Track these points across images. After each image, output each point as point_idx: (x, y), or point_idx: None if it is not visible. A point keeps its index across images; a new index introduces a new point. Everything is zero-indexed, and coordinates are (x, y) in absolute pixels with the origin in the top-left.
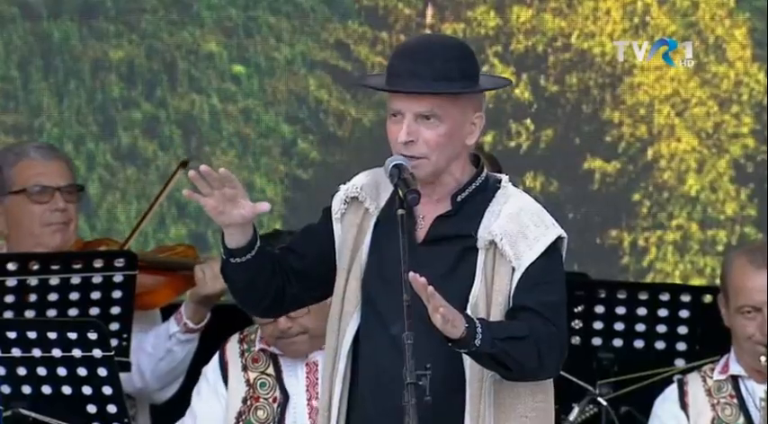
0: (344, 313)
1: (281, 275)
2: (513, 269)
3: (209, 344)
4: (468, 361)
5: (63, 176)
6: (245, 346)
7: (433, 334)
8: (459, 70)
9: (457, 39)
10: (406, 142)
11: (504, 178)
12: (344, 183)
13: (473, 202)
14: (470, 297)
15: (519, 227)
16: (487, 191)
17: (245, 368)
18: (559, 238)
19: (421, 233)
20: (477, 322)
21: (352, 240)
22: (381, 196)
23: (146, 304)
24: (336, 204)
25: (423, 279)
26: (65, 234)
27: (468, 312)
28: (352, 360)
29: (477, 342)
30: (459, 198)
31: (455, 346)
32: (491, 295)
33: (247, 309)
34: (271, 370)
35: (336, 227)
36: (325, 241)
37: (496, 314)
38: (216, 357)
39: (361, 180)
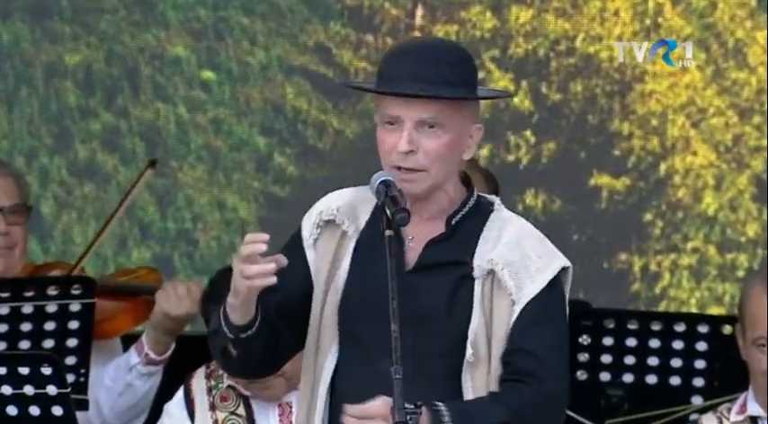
0: (322, 347)
1: (273, 331)
2: (513, 302)
3: (174, 377)
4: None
5: (8, 195)
6: (213, 382)
7: (426, 368)
8: (462, 76)
9: (456, 43)
10: (407, 152)
11: (497, 200)
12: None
13: (467, 226)
14: (470, 333)
15: (520, 256)
16: (480, 214)
17: (212, 408)
18: (563, 269)
19: (411, 257)
20: (446, 419)
21: (327, 265)
22: (360, 217)
23: (104, 333)
24: (308, 229)
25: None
26: (9, 260)
27: (469, 348)
28: (330, 399)
29: None
30: (453, 221)
31: None
32: (492, 329)
33: (244, 376)
34: (241, 410)
35: (310, 254)
36: (301, 271)
37: (498, 349)
38: (180, 394)
39: (335, 201)
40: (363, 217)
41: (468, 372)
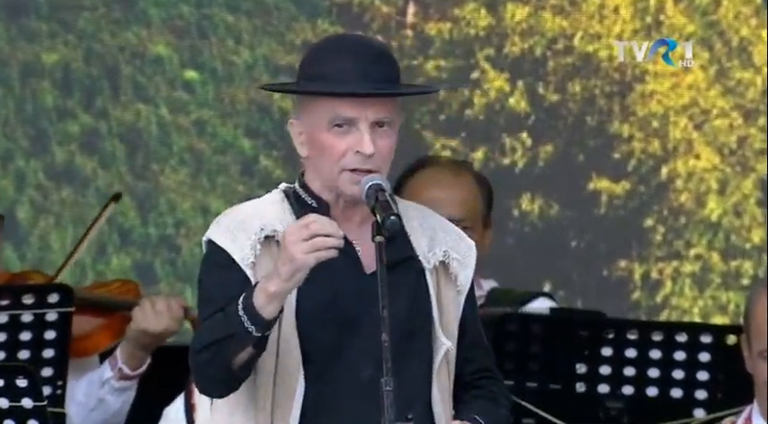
0: (283, 368)
1: None
2: (458, 293)
3: (154, 391)
4: (438, 407)
5: None
6: None
7: (410, 377)
8: (398, 71)
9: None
10: (372, 154)
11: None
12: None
13: None
14: (435, 326)
15: (453, 243)
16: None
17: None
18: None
19: (370, 261)
20: None
21: None
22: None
23: (80, 351)
24: (242, 249)
25: None
26: None
27: (446, 341)
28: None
29: None
30: None
31: None
32: (444, 322)
33: (222, 389)
34: None
35: (250, 274)
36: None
37: (451, 341)
38: (181, 399)
39: (263, 216)
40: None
41: (441, 366)
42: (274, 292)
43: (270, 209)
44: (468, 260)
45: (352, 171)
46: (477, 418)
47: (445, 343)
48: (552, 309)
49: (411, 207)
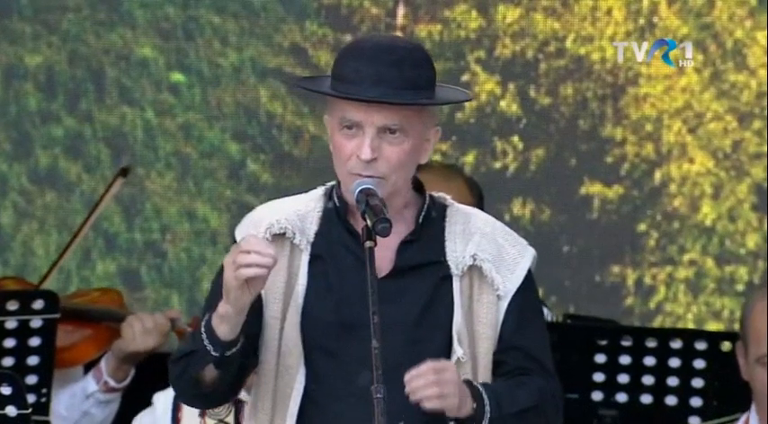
0: (284, 368)
1: (246, 351)
2: (499, 297)
3: (136, 398)
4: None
5: None
6: None
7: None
8: (426, 78)
9: (413, 41)
10: (370, 160)
11: (447, 196)
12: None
13: (429, 225)
14: (454, 333)
15: (497, 248)
16: (437, 211)
17: (202, 414)
18: (534, 257)
19: (381, 263)
20: (485, 397)
21: (282, 283)
22: (308, 228)
23: (65, 362)
24: None
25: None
26: None
27: (458, 349)
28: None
29: (486, 422)
30: (420, 220)
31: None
32: (475, 328)
33: (206, 403)
34: (231, 418)
35: None
36: None
37: (483, 349)
38: (171, 395)
39: (277, 213)
40: (312, 228)
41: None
42: (222, 314)
43: (297, 207)
44: (513, 267)
45: (356, 175)
46: (476, 383)
47: (456, 351)
48: (565, 315)
49: (462, 211)
